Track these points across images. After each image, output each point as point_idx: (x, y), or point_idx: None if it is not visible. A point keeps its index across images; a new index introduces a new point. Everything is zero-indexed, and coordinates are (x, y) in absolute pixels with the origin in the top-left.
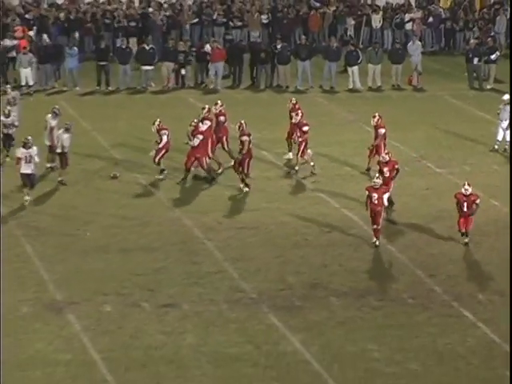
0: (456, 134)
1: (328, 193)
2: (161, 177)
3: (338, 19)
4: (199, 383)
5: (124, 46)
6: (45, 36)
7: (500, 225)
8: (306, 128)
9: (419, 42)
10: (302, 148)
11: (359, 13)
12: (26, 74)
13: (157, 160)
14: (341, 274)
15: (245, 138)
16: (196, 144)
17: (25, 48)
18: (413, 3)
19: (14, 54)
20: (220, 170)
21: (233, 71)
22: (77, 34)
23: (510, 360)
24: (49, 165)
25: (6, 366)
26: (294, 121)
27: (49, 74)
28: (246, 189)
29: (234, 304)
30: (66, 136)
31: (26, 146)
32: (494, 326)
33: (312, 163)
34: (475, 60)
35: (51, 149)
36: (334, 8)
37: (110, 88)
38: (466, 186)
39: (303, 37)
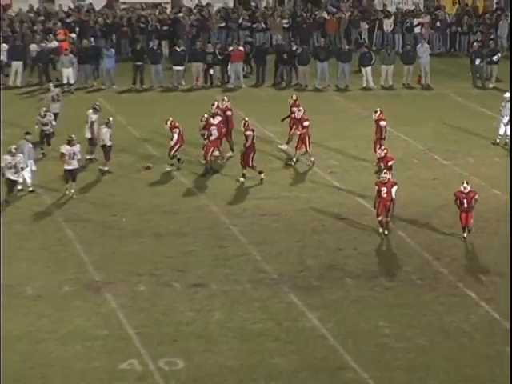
0: (461, 129)
1: (343, 183)
2: (169, 169)
3: (352, 23)
4: (226, 356)
5: (156, 48)
6: (84, 40)
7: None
8: (306, 123)
9: (427, 45)
10: (301, 141)
11: (372, 18)
12: (68, 74)
13: (171, 154)
14: (355, 257)
15: (249, 132)
16: (216, 135)
17: (66, 50)
18: (421, 9)
19: (55, 55)
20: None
21: (257, 71)
22: (114, 38)
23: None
24: (88, 156)
25: (48, 340)
26: (296, 116)
27: (88, 74)
28: (242, 179)
29: (257, 284)
30: (105, 130)
31: (70, 143)
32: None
33: (312, 158)
34: (477, 61)
35: (91, 142)
36: (349, 13)
37: (144, 86)
38: (465, 185)
39: (322, 40)
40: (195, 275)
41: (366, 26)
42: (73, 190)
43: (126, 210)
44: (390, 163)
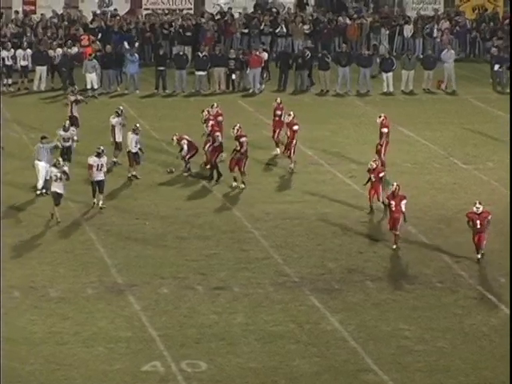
0: (481, 134)
1: (363, 187)
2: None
3: (373, 29)
4: (247, 358)
5: (181, 53)
6: (108, 45)
7: None
8: (295, 127)
9: (453, 51)
10: (291, 146)
11: (393, 23)
12: (92, 79)
13: (187, 160)
14: (375, 260)
15: (243, 139)
16: (219, 141)
17: (90, 55)
18: (441, 14)
19: (78, 60)
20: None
21: (279, 76)
22: (137, 44)
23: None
24: (114, 159)
25: (71, 342)
26: (286, 120)
27: (111, 79)
28: (242, 185)
29: (279, 287)
30: (131, 136)
31: (98, 155)
32: None
33: (292, 165)
34: (496, 66)
35: (117, 145)
36: (370, 19)
37: (167, 91)
38: (478, 205)
39: (344, 45)
40: (217, 278)
41: (387, 32)
42: (101, 202)
43: (149, 213)
44: (380, 175)
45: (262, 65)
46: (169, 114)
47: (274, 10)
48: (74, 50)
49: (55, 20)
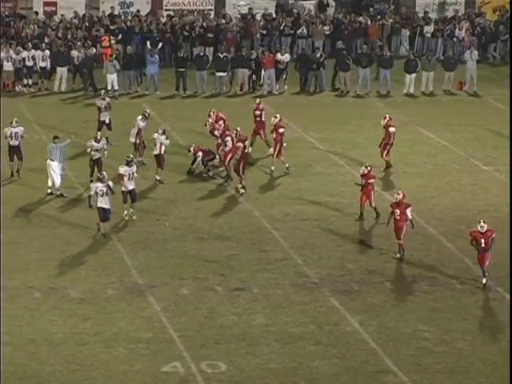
0: (501, 135)
1: (383, 188)
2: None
3: (394, 30)
4: (267, 359)
5: (202, 54)
6: (128, 46)
7: None
8: (281, 130)
9: (476, 52)
10: (278, 149)
11: (414, 24)
12: (112, 80)
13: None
14: (395, 262)
15: (239, 144)
16: (230, 146)
17: (111, 56)
18: (462, 15)
19: (99, 61)
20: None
21: (300, 78)
22: (160, 44)
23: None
24: (139, 159)
25: (91, 343)
26: (272, 122)
27: (132, 80)
28: (243, 190)
29: (298, 288)
30: (162, 138)
31: (129, 163)
32: None
33: (287, 164)
34: None
35: (135, 146)
36: (391, 20)
37: (187, 92)
38: (482, 224)
39: (364, 46)
40: (237, 279)
41: (408, 33)
42: (132, 210)
43: (169, 214)
44: (369, 181)
45: (283, 66)
46: (189, 115)
47: (294, 11)
48: (95, 50)
49: (76, 21)
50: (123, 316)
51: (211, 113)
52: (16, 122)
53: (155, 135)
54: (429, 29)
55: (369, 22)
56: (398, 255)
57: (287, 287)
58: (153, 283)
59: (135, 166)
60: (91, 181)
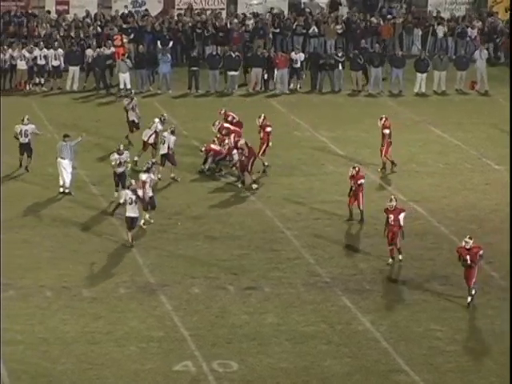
0: None
1: (395, 187)
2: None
3: (406, 29)
4: (279, 359)
5: (214, 53)
6: (141, 45)
7: None
8: (269, 129)
9: (486, 51)
10: (264, 148)
11: (426, 24)
12: (125, 79)
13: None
14: (407, 261)
15: (241, 141)
16: (236, 159)
17: (124, 55)
18: (474, 15)
19: (111, 60)
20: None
21: (311, 77)
22: (171, 44)
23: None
24: (136, 158)
25: (103, 342)
26: (257, 123)
27: (144, 79)
28: (255, 185)
29: (310, 287)
30: (172, 138)
31: (149, 170)
32: None
33: (266, 163)
34: None
35: (145, 145)
36: (401, 19)
37: (199, 91)
38: (467, 239)
39: (377, 45)
40: (249, 278)
41: (420, 32)
42: (148, 216)
43: (180, 213)
44: (359, 182)
45: (298, 65)
46: (201, 114)
47: (307, 10)
48: (107, 50)
49: (88, 20)
50: (135, 315)
51: (216, 124)
52: (28, 119)
53: (164, 134)
54: (441, 28)
55: (381, 22)
56: (401, 257)
57: (299, 286)
58: (164, 282)
59: (154, 170)
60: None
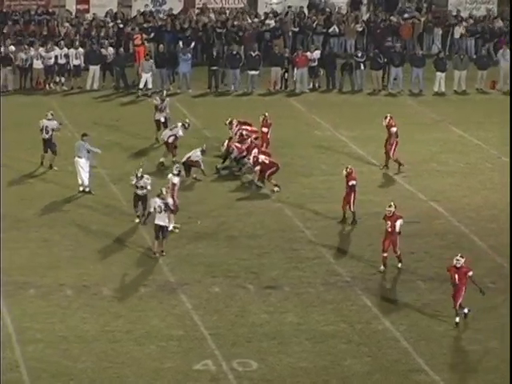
0: None
1: (415, 186)
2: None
3: (426, 29)
4: (299, 358)
5: (234, 53)
6: (161, 45)
7: None
8: (265, 129)
9: (508, 50)
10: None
11: (446, 23)
12: (147, 79)
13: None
14: (427, 261)
15: (261, 157)
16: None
17: (147, 55)
18: (495, 14)
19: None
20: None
21: (327, 76)
22: (193, 44)
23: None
24: (162, 159)
25: (123, 340)
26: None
27: (164, 78)
28: (277, 189)
29: (330, 286)
30: (181, 132)
31: (179, 173)
32: None
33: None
34: None
35: (167, 146)
36: (423, 18)
37: (219, 90)
38: (458, 258)
39: (397, 45)
40: (269, 277)
41: (440, 32)
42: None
43: (200, 212)
44: (350, 183)
45: (315, 64)
46: (221, 114)
47: (327, 9)
48: (127, 49)
49: (108, 19)
50: (155, 314)
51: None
52: (51, 114)
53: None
54: (461, 27)
55: (401, 21)
56: (382, 268)
57: (318, 286)
58: (184, 281)
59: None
60: (138, 216)
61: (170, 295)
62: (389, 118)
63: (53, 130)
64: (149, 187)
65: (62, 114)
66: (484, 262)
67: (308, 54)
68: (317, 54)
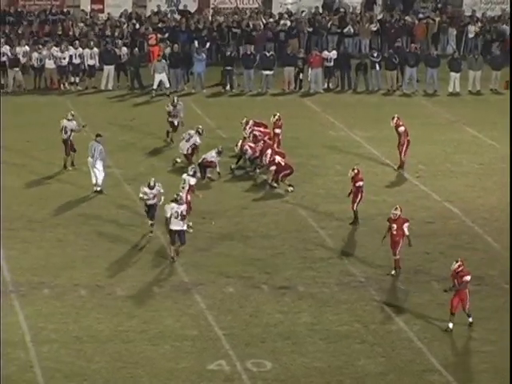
0: None
1: (430, 187)
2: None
3: (441, 29)
4: (313, 358)
5: (248, 53)
6: (175, 45)
7: None
8: (278, 131)
9: None
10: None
11: (461, 23)
12: (161, 79)
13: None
14: (441, 261)
15: (277, 158)
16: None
17: (159, 55)
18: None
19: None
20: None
21: (341, 76)
22: (208, 44)
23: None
24: (179, 159)
25: (137, 340)
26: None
27: (179, 78)
28: (291, 188)
29: (344, 286)
30: (198, 139)
31: (195, 174)
32: None
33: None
34: None
35: (187, 158)
36: (438, 19)
37: (233, 90)
38: (458, 263)
39: (412, 45)
40: (283, 277)
41: (455, 32)
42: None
43: (214, 212)
44: (357, 184)
45: (331, 64)
46: (235, 114)
47: (341, 10)
48: (142, 49)
49: (123, 19)
50: (169, 314)
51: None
52: (72, 115)
53: (191, 132)
54: (475, 28)
55: (415, 21)
56: (393, 272)
57: (333, 286)
58: (199, 281)
59: (184, 206)
60: (151, 224)
61: (184, 295)
62: (396, 118)
63: (72, 130)
64: (162, 198)
65: (77, 114)
66: (498, 262)
67: (325, 53)
68: (333, 54)
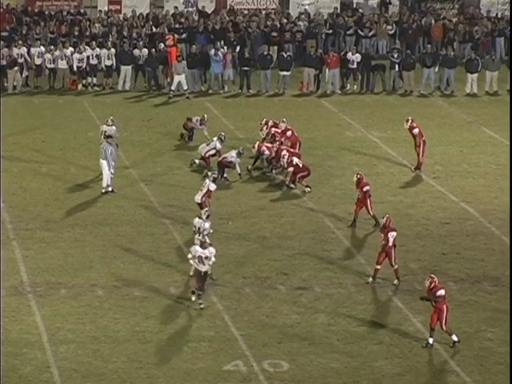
0: None
1: (447, 187)
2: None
3: (457, 30)
4: (330, 359)
5: (266, 53)
6: (193, 45)
7: None
8: (289, 133)
9: None
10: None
11: (478, 24)
12: (180, 80)
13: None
14: (458, 262)
15: (295, 160)
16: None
17: (179, 56)
18: None
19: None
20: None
21: (361, 77)
22: (225, 48)
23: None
24: (197, 161)
25: (154, 341)
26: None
27: (196, 79)
28: (308, 189)
29: (361, 287)
30: (218, 145)
31: (215, 180)
32: None
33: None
34: None
35: (205, 161)
36: (455, 19)
37: (251, 91)
38: (429, 280)
39: (429, 45)
40: (299, 278)
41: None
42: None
43: (231, 213)
44: (364, 189)
45: (353, 66)
46: (253, 114)
47: (360, 10)
48: (159, 49)
49: (140, 20)
50: (186, 314)
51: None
52: (112, 120)
53: (214, 139)
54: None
55: (432, 22)
56: (396, 281)
57: (349, 286)
58: (215, 282)
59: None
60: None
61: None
62: (410, 120)
63: (110, 136)
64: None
65: (94, 115)
66: None
67: (349, 55)
68: (357, 57)
